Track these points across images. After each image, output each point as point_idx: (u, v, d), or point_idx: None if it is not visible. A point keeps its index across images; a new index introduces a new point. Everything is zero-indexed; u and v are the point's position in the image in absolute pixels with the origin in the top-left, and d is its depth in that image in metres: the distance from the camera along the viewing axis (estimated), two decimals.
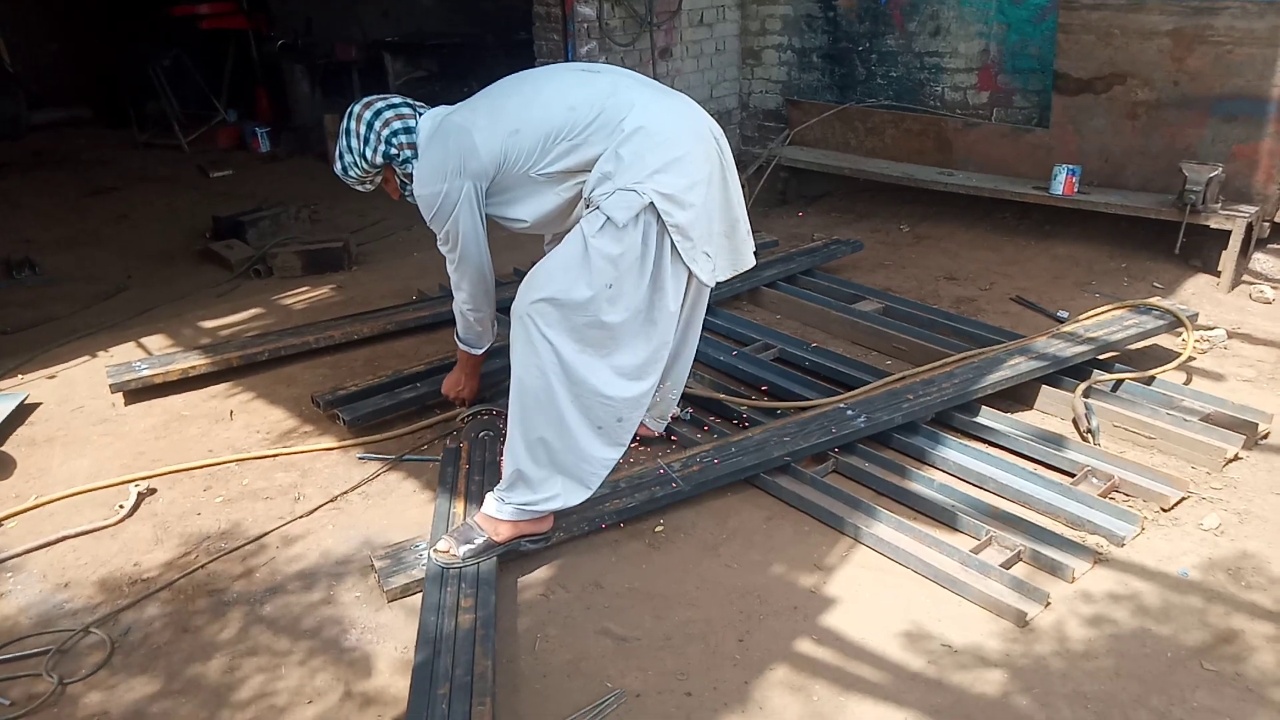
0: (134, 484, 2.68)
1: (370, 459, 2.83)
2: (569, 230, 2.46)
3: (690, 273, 2.39)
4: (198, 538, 2.50)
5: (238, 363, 3.36)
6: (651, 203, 2.20)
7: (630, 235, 2.20)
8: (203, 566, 2.38)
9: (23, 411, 3.15)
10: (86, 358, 3.59)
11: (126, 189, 6.31)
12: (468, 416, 2.77)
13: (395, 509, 2.60)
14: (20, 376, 3.44)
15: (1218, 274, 4.06)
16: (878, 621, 2.14)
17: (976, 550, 2.33)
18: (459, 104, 2.46)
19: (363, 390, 3.08)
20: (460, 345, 2.74)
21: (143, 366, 3.27)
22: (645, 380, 2.37)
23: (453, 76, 7.14)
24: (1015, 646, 2.05)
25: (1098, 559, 2.31)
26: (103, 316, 4.03)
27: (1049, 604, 2.16)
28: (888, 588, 2.25)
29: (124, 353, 3.60)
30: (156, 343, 3.70)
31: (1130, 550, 2.35)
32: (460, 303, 2.60)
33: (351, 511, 2.60)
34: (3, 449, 2.94)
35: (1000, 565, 2.26)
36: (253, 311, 4.05)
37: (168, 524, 2.56)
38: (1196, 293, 4.04)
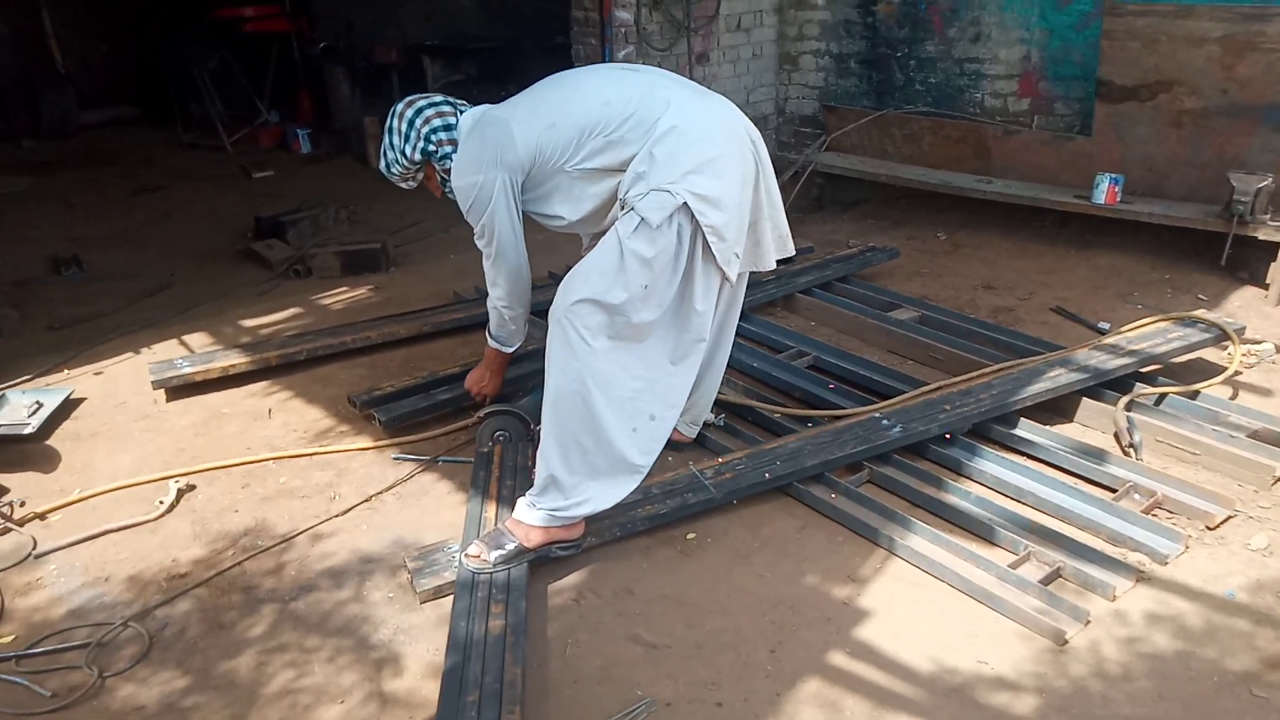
0: (174, 480, 2.72)
1: (405, 459, 2.85)
2: (603, 230, 2.48)
3: (722, 275, 2.39)
4: (234, 535, 2.53)
5: (276, 362, 3.40)
6: (685, 203, 2.19)
7: (664, 236, 2.20)
8: (238, 564, 2.40)
9: (68, 406, 3.21)
10: (130, 354, 3.65)
11: (171, 188, 6.42)
12: (486, 415, 2.77)
13: (429, 510, 2.62)
14: (66, 372, 3.51)
15: (1266, 286, 3.97)
16: (912, 636, 2.11)
17: (1014, 566, 2.29)
18: (501, 103, 2.49)
19: (399, 391, 3.11)
20: (491, 342, 2.75)
21: (184, 364, 3.32)
22: (678, 367, 2.37)
23: (491, 80, 7.18)
24: (1052, 667, 2.01)
25: (1139, 577, 2.26)
26: (146, 314, 4.10)
27: (1088, 623, 2.12)
28: (922, 602, 2.22)
29: (166, 350, 3.66)
30: (198, 340, 3.76)
31: (1174, 569, 2.30)
32: (495, 299, 2.61)
33: (385, 512, 2.62)
34: (48, 443, 3.00)
35: (1038, 582, 2.21)
36: (292, 311, 4.10)
37: (205, 520, 2.59)
38: (1244, 305, 3.95)
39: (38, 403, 3.12)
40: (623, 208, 2.29)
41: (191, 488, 2.74)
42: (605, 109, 2.30)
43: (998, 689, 1.96)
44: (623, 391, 2.26)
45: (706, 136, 2.28)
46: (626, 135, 2.28)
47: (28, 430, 2.97)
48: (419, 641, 2.12)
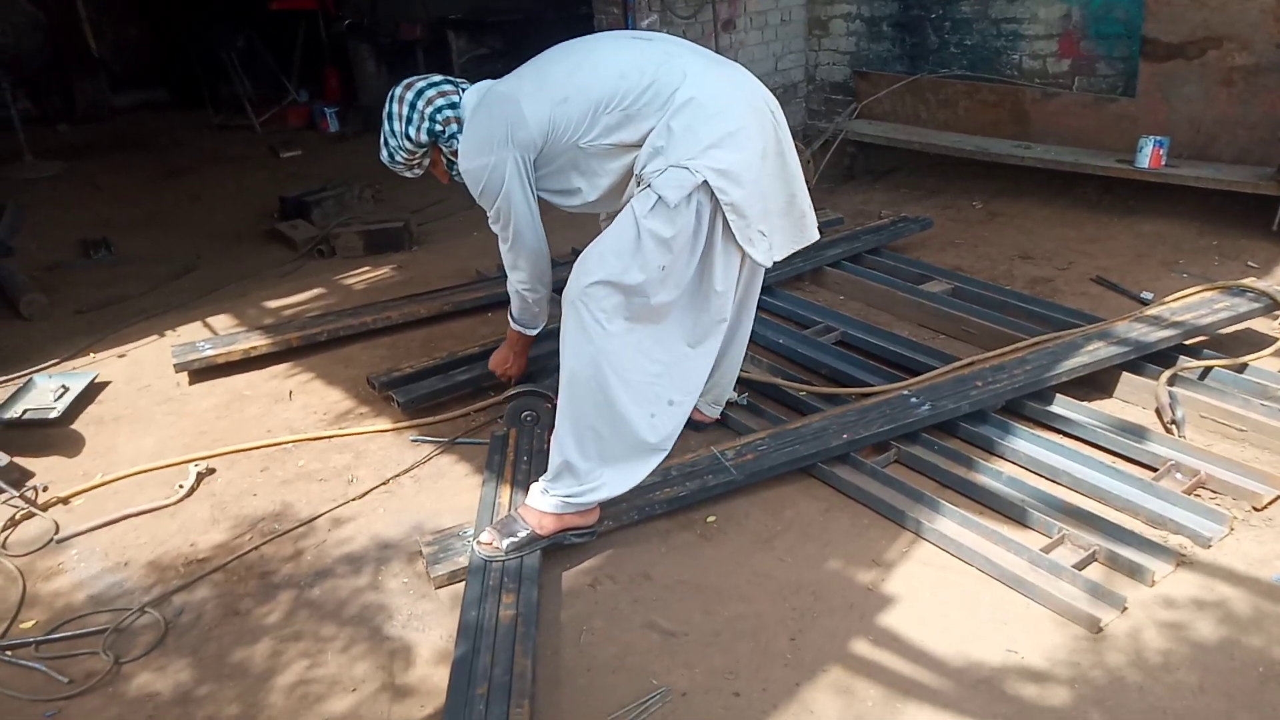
0: (194, 464, 2.72)
1: (423, 441, 2.82)
2: (619, 209, 2.40)
3: (742, 254, 2.30)
4: (252, 519, 2.52)
5: (297, 343, 3.38)
6: (705, 180, 2.11)
7: (683, 215, 2.12)
8: (255, 548, 2.39)
9: (93, 390, 3.23)
10: (155, 337, 3.67)
11: (201, 170, 6.46)
12: (510, 396, 2.73)
13: (446, 493, 2.58)
14: (92, 355, 3.53)
15: None
16: (938, 623, 2.03)
17: (1047, 549, 2.20)
18: (506, 75, 2.39)
19: (418, 372, 3.08)
20: (514, 326, 2.70)
21: (206, 346, 3.32)
22: (697, 349, 2.30)
23: (516, 53, 7.05)
24: (1087, 656, 1.93)
25: (1181, 561, 2.16)
26: (172, 296, 4.12)
27: (1125, 609, 2.02)
28: (950, 587, 2.14)
29: (190, 332, 3.67)
30: (222, 322, 3.76)
31: (1217, 552, 2.20)
32: (516, 283, 2.54)
33: (402, 495, 2.59)
34: (73, 427, 3.02)
35: (1073, 566, 2.12)
36: (315, 291, 4.08)
37: (224, 504, 2.59)
38: None
39: (63, 387, 3.14)
40: (639, 184, 2.20)
41: (211, 471, 2.73)
42: (621, 81, 2.20)
43: (1028, 679, 1.88)
44: (640, 376, 2.19)
45: (726, 109, 2.18)
46: (644, 109, 2.18)
47: (53, 415, 2.99)
48: (432, 628, 2.09)
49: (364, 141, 7.02)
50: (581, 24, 6.07)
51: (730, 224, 2.17)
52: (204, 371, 3.28)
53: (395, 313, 3.56)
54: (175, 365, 3.24)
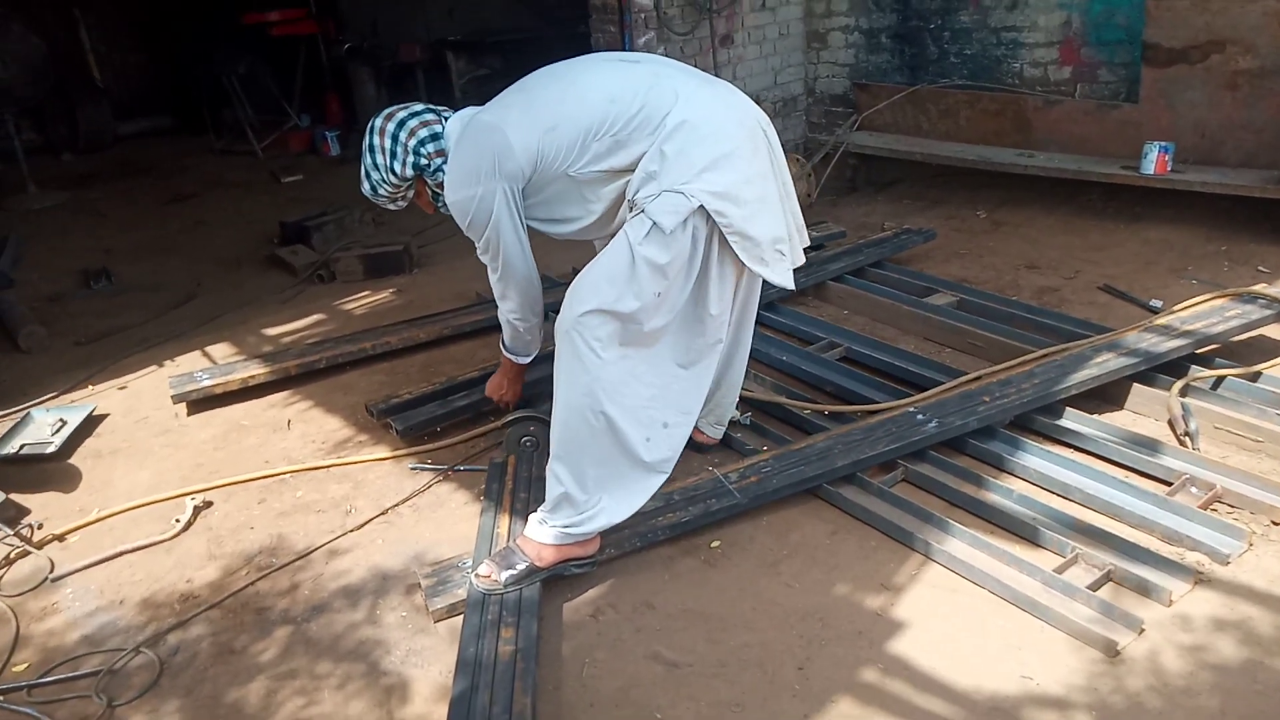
0: (191, 497, 2.68)
1: (422, 469, 2.78)
2: (613, 234, 2.36)
3: (738, 276, 2.27)
4: (248, 553, 2.48)
5: (296, 371, 3.35)
6: (701, 205, 2.07)
7: (679, 241, 2.08)
8: (251, 584, 2.35)
9: (91, 423, 3.20)
10: (154, 367, 3.64)
11: (203, 195, 6.47)
12: (509, 422, 2.68)
13: (445, 522, 2.54)
14: (91, 387, 3.51)
15: None
16: (950, 649, 1.98)
17: (1061, 570, 2.14)
18: (489, 103, 2.35)
19: (416, 398, 3.04)
20: (506, 354, 2.65)
21: (204, 377, 3.29)
22: (690, 371, 2.26)
23: (516, 73, 7.06)
24: (1105, 680, 1.87)
25: (1198, 580, 2.10)
26: (172, 325, 4.10)
27: (1143, 631, 1.96)
28: (961, 611, 2.09)
29: (189, 362, 3.64)
30: (221, 351, 3.74)
31: (1236, 569, 2.13)
32: (507, 313, 2.51)
33: (401, 525, 2.55)
34: (70, 461, 2.99)
35: (1087, 587, 2.06)
36: (315, 317, 4.06)
37: (221, 538, 2.55)
38: None
39: (61, 420, 3.12)
40: (631, 210, 2.16)
41: (208, 504, 2.70)
42: (610, 106, 2.15)
43: (1045, 707, 1.82)
44: (634, 400, 2.15)
45: (719, 130, 2.14)
46: (635, 133, 2.14)
47: (50, 449, 2.96)
48: (431, 664, 2.05)
49: None
50: (580, 42, 6.06)
51: (735, 247, 2.13)
52: (202, 402, 3.26)
53: (394, 338, 3.53)
54: (173, 396, 3.21)
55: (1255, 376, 2.84)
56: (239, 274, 4.77)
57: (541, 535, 2.17)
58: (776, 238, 2.21)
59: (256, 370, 3.31)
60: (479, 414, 3.01)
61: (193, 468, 2.90)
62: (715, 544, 2.36)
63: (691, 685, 1.94)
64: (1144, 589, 2.08)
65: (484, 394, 2.88)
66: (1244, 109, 4.07)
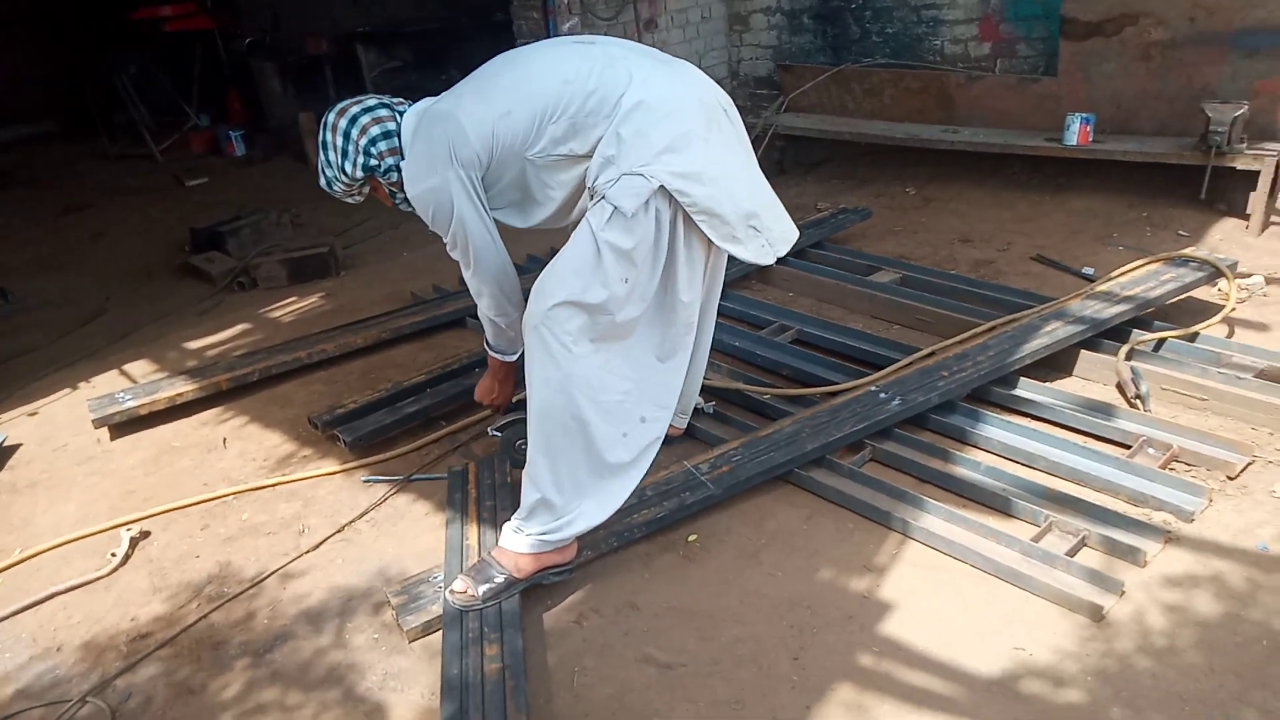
0: (125, 528, 2.50)
1: (376, 481, 2.65)
2: (575, 224, 2.28)
3: (706, 258, 2.21)
4: (197, 584, 2.32)
5: (227, 385, 3.17)
6: (662, 186, 2.00)
7: (642, 224, 2.01)
8: (204, 617, 2.19)
9: (1, 455, 2.96)
10: (67, 390, 3.39)
11: (101, 204, 6.09)
12: (501, 426, 2.56)
13: (407, 536, 2.42)
14: None
15: (1246, 217, 3.88)
16: (940, 626, 1.97)
17: (1036, 538, 2.16)
18: (443, 93, 2.25)
19: (362, 407, 2.90)
20: (492, 354, 2.52)
21: (126, 397, 3.07)
22: (667, 363, 2.20)
23: (429, 65, 6.90)
24: (1094, 645, 1.89)
25: (1168, 538, 2.14)
26: (83, 343, 3.83)
27: (1123, 593, 1.99)
28: (946, 587, 2.08)
29: (106, 382, 3.41)
30: (140, 369, 3.51)
31: (1201, 525, 2.19)
32: (485, 309, 2.37)
33: (360, 542, 2.42)
34: None
35: (1065, 554, 2.08)
36: (239, 328, 3.85)
37: (164, 570, 2.38)
38: (1225, 238, 3.86)
39: None
40: (592, 197, 2.08)
41: (146, 534, 2.51)
42: (565, 88, 2.07)
43: (1041, 677, 1.83)
44: (609, 396, 2.07)
45: (677, 110, 2.07)
46: (591, 115, 2.06)
47: None
48: (411, 686, 1.94)
49: (275, 165, 6.74)
50: (498, 32, 5.91)
51: (703, 226, 2.07)
52: (126, 425, 3.04)
53: (330, 345, 3.36)
54: (94, 420, 2.99)
55: (1193, 337, 2.93)
56: (151, 286, 4.50)
57: (518, 544, 2.08)
58: (749, 213, 2.15)
59: (184, 387, 3.11)
60: (430, 419, 2.89)
61: (123, 496, 2.70)
62: (692, 538, 2.31)
63: (687, 686, 1.88)
64: (1119, 552, 2.11)
65: (442, 402, 2.75)
66: (1156, 79, 4.20)
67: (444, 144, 2.09)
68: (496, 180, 2.16)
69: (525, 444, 2.50)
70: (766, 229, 2.17)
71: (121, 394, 3.11)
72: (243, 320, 3.91)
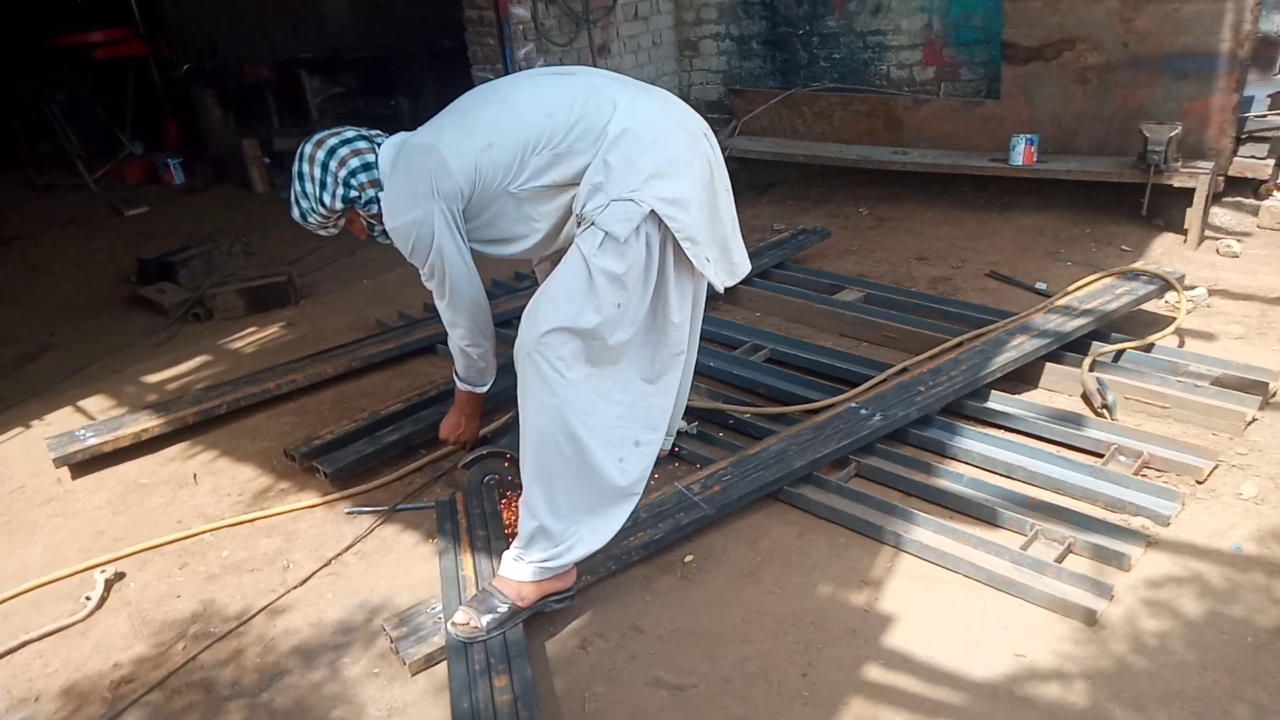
0: (99, 569, 2.40)
1: (360, 513, 2.60)
2: (557, 251, 2.29)
3: (694, 279, 2.24)
4: (181, 624, 2.24)
5: (194, 419, 3.07)
6: (652, 211, 2.03)
7: (634, 249, 2.03)
8: (191, 658, 2.12)
9: None
10: (19, 429, 3.25)
11: (34, 236, 5.86)
12: (469, 463, 2.53)
13: (398, 567, 2.38)
14: None
15: (1183, 232, 4.07)
16: (942, 636, 2.01)
17: (1025, 547, 2.22)
18: (423, 126, 2.24)
19: (340, 437, 2.84)
20: (461, 385, 2.50)
21: (88, 434, 2.96)
22: (657, 385, 2.22)
23: (375, 91, 6.83)
24: (1090, 648, 1.95)
25: (1149, 543, 2.22)
26: (29, 382, 3.68)
27: (1113, 597, 2.06)
28: (942, 597, 2.13)
29: (62, 420, 3.28)
30: (97, 405, 3.38)
31: (1177, 529, 2.28)
32: (457, 340, 2.36)
33: (349, 575, 2.37)
34: None
35: (1054, 561, 2.15)
36: (199, 360, 3.74)
37: (144, 611, 2.29)
38: (1165, 252, 4.04)
39: None
40: (580, 224, 2.10)
41: (121, 575, 2.42)
42: (549, 120, 2.09)
43: (1043, 681, 1.88)
44: (603, 421, 2.08)
45: (662, 136, 2.11)
46: (575, 145, 2.08)
47: None
48: None
49: (218, 193, 6.58)
50: (447, 57, 5.90)
51: (685, 250, 2.10)
52: (89, 463, 2.93)
53: (299, 375, 3.29)
54: (55, 459, 2.87)
55: (1149, 348, 3.06)
56: (99, 319, 4.34)
57: (519, 573, 2.06)
58: (720, 240, 2.21)
59: (149, 422, 3.01)
60: (411, 448, 2.85)
61: (92, 537, 2.60)
62: (689, 558, 2.32)
63: (701, 707, 1.89)
64: (1104, 557, 2.19)
65: (423, 430, 2.72)
66: (1094, 101, 4.40)
67: (426, 177, 2.09)
68: (478, 213, 2.17)
69: (493, 478, 2.50)
70: (726, 259, 2.24)
71: (82, 431, 2.99)
72: (201, 352, 3.81)
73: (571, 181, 2.12)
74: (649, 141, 2.09)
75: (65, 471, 2.92)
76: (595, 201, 2.06)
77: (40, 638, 2.22)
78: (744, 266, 2.34)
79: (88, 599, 2.31)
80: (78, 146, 7.22)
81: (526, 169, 2.11)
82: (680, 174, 2.10)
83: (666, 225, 2.06)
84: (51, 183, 7.22)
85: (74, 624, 2.25)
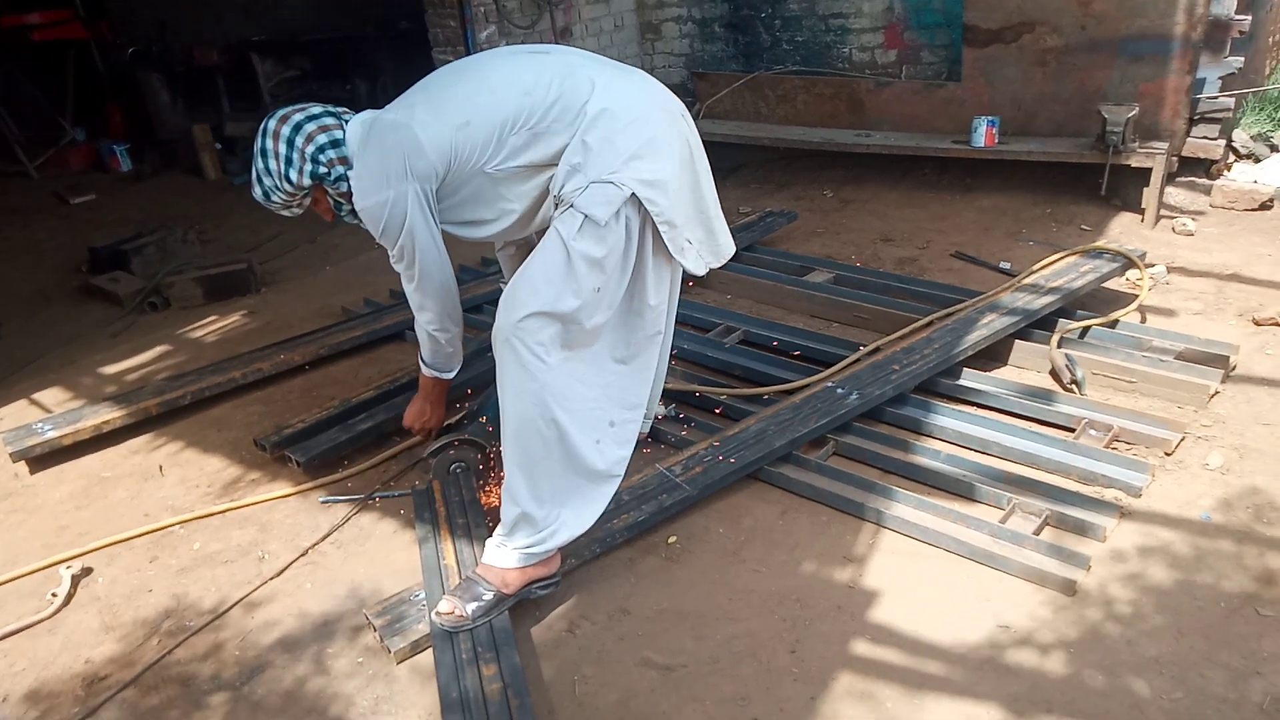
0: (64, 565, 2.33)
1: (335, 501, 2.55)
2: (533, 234, 2.27)
3: (671, 262, 2.23)
4: (153, 619, 2.18)
5: (157, 410, 2.99)
6: (633, 193, 2.01)
7: (613, 233, 2.01)
8: (167, 653, 2.07)
9: None
10: None
11: None
12: (435, 452, 2.49)
13: (377, 555, 2.34)
14: None
15: (1140, 211, 4.16)
16: (926, 610, 2.03)
17: (1003, 520, 2.26)
18: (391, 103, 2.19)
19: (312, 426, 2.79)
20: (426, 371, 2.46)
21: (46, 428, 2.86)
22: (630, 365, 2.21)
23: (330, 74, 6.69)
24: (1068, 615, 1.99)
25: (1122, 514, 2.27)
26: None
27: (1090, 568, 2.10)
28: (925, 572, 2.15)
29: (16, 413, 3.17)
30: (53, 397, 3.27)
31: (1148, 500, 2.33)
32: (425, 323, 2.32)
33: (328, 565, 2.32)
34: None
35: (1032, 533, 2.19)
36: (158, 350, 3.64)
37: (114, 607, 2.23)
38: (1123, 231, 4.12)
39: None
40: (557, 206, 2.07)
41: (88, 571, 2.35)
42: (526, 99, 2.05)
43: (1026, 650, 1.91)
44: (580, 404, 2.06)
45: (641, 116, 2.09)
46: (553, 125, 2.05)
47: None
48: (405, 710, 1.88)
49: (168, 180, 6.41)
50: (405, 39, 5.79)
51: (662, 234, 2.09)
52: (48, 457, 2.84)
53: (266, 363, 3.22)
54: (11, 453, 2.77)
55: (1114, 324, 3.13)
56: (49, 310, 4.21)
57: (503, 560, 2.04)
58: (701, 223, 2.21)
59: (110, 414, 2.92)
60: (384, 435, 2.80)
61: (55, 532, 2.52)
62: (672, 539, 2.32)
63: (691, 686, 1.89)
64: (1079, 528, 2.23)
65: (396, 418, 2.67)
66: (1053, 83, 4.46)
67: (398, 156, 2.05)
68: (452, 193, 2.13)
69: (460, 466, 2.47)
70: (711, 240, 2.22)
71: (39, 424, 2.89)
72: (160, 342, 3.71)
73: (549, 162, 2.09)
74: (628, 121, 2.07)
75: (23, 466, 2.83)
76: (574, 183, 2.03)
77: (5, 636, 2.14)
78: (729, 248, 2.33)
79: (54, 595, 2.24)
80: (16, 132, 6.98)
81: (504, 148, 2.08)
82: (660, 154, 2.08)
83: (647, 209, 2.04)
84: None
85: (41, 621, 2.18)
